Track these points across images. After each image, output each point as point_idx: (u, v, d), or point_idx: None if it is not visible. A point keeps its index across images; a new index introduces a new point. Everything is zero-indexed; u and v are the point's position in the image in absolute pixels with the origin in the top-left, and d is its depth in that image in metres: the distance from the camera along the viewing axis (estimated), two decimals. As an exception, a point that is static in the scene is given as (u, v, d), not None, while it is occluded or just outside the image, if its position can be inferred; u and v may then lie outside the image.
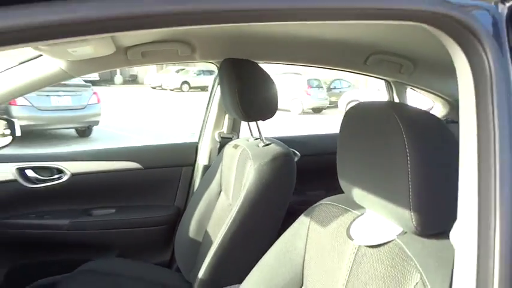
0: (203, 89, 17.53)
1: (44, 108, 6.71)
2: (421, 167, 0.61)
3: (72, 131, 7.83)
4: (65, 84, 6.76)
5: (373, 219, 0.76)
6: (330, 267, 0.81)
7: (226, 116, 1.84)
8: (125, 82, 22.74)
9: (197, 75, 19.65)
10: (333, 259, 0.81)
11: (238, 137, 1.84)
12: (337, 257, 0.80)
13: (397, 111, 0.65)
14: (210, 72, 17.68)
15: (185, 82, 19.54)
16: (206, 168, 1.81)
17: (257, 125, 1.44)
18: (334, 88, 15.32)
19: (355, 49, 1.57)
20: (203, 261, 1.35)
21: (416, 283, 0.60)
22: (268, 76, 1.40)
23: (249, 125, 1.52)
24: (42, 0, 0.36)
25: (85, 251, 1.72)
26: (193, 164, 1.88)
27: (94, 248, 1.74)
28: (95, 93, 7.54)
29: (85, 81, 7.81)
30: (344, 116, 0.79)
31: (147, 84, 21.10)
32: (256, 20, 0.46)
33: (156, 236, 1.81)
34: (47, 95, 6.70)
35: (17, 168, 1.62)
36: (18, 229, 1.64)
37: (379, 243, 0.71)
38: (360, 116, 0.75)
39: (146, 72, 22.13)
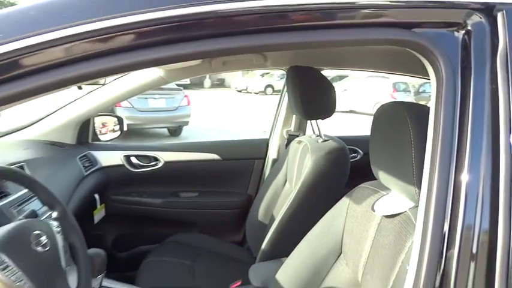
0: (286, 92, 17.84)
1: (142, 110, 7.52)
2: (421, 153, 0.78)
3: (165, 130, 8.62)
4: (160, 88, 7.52)
5: (394, 197, 0.93)
6: (361, 236, 1.00)
7: (294, 116, 2.07)
8: (213, 86, 24.01)
9: (280, 78, 20.05)
10: (363, 229, 1.00)
11: (304, 135, 2.05)
12: (366, 228, 0.99)
13: (406, 109, 0.83)
14: (293, 76, 17.95)
15: (269, 85, 20.06)
16: (275, 161, 2.05)
17: (317, 123, 1.64)
18: (424, 92, 14.58)
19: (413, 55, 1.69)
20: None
21: (412, 241, 0.78)
22: (328, 81, 1.60)
23: (311, 124, 1.73)
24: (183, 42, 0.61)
25: (172, 226, 2.07)
26: (264, 158, 2.14)
27: (179, 224, 2.09)
28: (185, 96, 8.24)
29: (177, 85, 8.54)
30: (374, 115, 0.97)
31: (233, 87, 22.09)
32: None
33: (231, 218, 2.10)
34: (145, 98, 7.50)
35: (124, 156, 2.02)
36: (124, 204, 2.04)
37: (393, 213, 0.88)
38: (383, 114, 0.93)
39: (233, 76, 23.12)
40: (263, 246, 1.55)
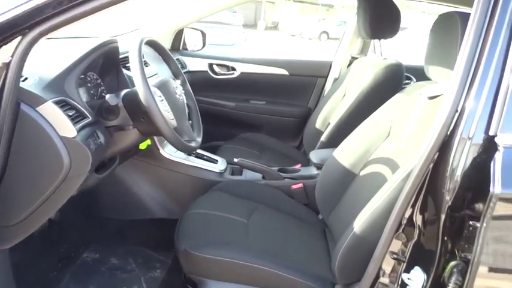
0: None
1: (202, 42, 7.84)
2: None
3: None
4: (220, 22, 7.77)
5: (439, 86, 1.22)
6: (408, 117, 1.30)
7: (358, 40, 2.32)
8: (266, 28, 23.80)
9: (337, 25, 19.55)
10: (411, 112, 1.30)
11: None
12: (413, 110, 1.29)
13: (460, 18, 1.09)
14: (351, 23, 17.43)
15: (324, 32, 19.67)
16: (336, 80, 2.35)
17: (380, 43, 1.91)
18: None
19: None
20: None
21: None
22: (395, 5, 1.83)
23: (374, 44, 1.99)
24: None
25: (242, 126, 2.46)
26: (326, 76, 2.44)
27: (248, 126, 2.47)
28: (243, 32, 8.45)
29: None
30: (433, 24, 1.23)
31: (287, 31, 21.83)
32: None
33: (291, 125, 2.47)
34: (205, 32, 7.79)
35: (208, 63, 2.40)
36: (204, 104, 2.43)
37: (433, 95, 1.18)
38: (440, 23, 1.18)
39: (288, 20, 22.74)
40: (321, 139, 1.90)
